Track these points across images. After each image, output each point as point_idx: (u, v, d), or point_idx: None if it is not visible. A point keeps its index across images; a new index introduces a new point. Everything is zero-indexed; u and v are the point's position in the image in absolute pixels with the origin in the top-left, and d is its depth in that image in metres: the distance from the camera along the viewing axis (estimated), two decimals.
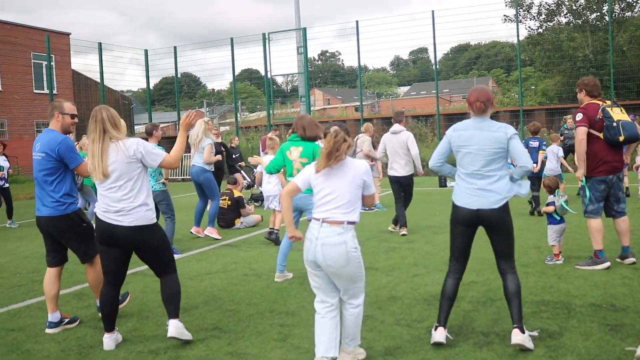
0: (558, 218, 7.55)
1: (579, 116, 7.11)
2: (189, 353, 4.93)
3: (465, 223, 4.85)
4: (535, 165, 11.21)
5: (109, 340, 5.15)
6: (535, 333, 4.88)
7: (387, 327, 5.35)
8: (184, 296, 6.51)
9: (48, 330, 5.65)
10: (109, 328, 5.17)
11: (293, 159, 7.12)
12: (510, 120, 25.68)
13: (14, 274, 8.50)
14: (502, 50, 68.39)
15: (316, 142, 7.29)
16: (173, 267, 5.24)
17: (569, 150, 14.31)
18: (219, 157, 11.44)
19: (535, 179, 11.32)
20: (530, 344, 4.63)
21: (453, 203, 4.94)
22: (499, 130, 4.78)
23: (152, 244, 5.11)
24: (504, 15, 30.18)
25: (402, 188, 10.40)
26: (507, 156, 4.84)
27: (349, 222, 4.29)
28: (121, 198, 4.96)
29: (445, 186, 18.46)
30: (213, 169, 10.78)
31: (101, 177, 4.94)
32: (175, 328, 5.08)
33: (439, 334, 4.79)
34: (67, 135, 5.72)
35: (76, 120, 5.76)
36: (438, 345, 4.78)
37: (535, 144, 11.66)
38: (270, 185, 10.13)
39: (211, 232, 10.57)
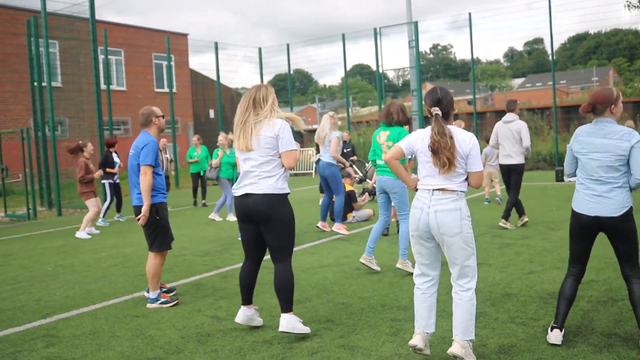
0: None
1: None
2: (302, 344, 5.02)
3: (584, 229, 4.72)
4: None
5: (242, 314, 5.41)
6: None
7: (501, 324, 5.24)
8: (297, 288, 6.66)
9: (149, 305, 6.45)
10: (244, 301, 5.44)
11: (381, 142, 7.55)
12: (633, 112, 24.45)
13: (137, 263, 8.95)
14: (624, 38, 64.87)
15: (403, 127, 7.64)
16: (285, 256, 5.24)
17: None
18: (346, 163, 11.53)
19: None
20: None
21: (572, 209, 4.80)
22: (622, 137, 4.53)
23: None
24: (627, 1, 28.64)
25: (512, 175, 10.19)
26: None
27: (461, 191, 4.30)
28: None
29: (562, 180, 17.80)
30: (340, 165, 10.83)
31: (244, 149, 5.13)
32: (286, 322, 5.11)
33: (555, 336, 4.68)
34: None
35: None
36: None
37: None
38: None
39: (339, 228, 10.56)
